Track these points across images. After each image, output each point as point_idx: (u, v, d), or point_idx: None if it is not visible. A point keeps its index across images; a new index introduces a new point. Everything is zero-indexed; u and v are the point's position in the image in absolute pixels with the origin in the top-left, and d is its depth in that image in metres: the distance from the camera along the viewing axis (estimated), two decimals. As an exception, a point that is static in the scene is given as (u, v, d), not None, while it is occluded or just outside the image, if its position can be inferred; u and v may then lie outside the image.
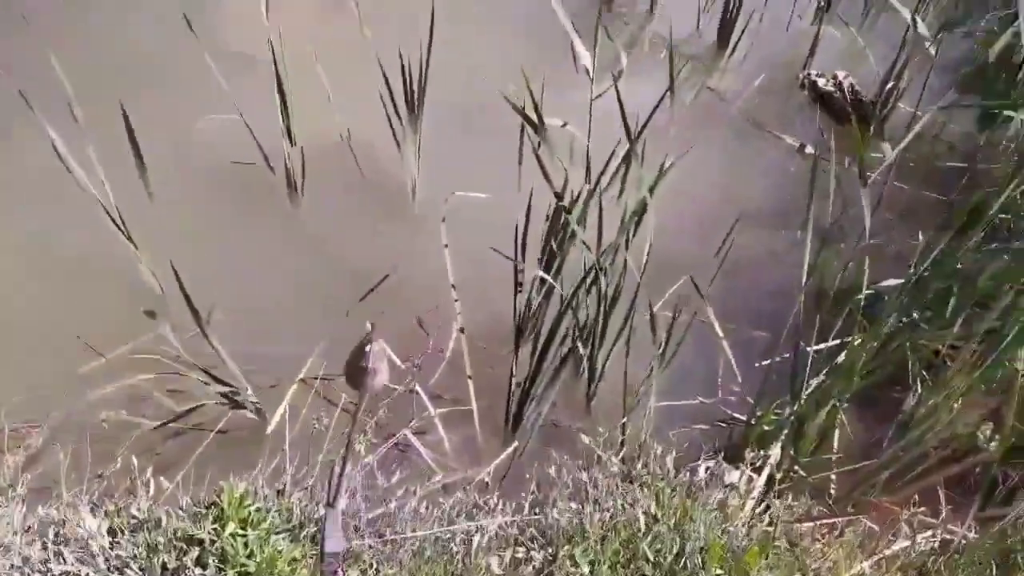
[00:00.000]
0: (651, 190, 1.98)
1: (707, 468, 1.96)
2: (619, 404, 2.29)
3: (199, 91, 2.76)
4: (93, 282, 2.44)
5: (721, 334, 2.51)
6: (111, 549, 1.44)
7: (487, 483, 2.11)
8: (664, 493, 1.75)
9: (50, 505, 1.62)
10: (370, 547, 1.60)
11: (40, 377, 2.13)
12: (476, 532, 1.66)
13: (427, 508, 1.83)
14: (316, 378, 2.38)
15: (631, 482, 1.95)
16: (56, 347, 2.24)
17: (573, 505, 1.76)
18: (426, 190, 2.96)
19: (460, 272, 2.61)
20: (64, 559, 1.41)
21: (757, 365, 2.53)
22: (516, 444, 2.29)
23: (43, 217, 2.57)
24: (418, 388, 2.34)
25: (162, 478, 1.65)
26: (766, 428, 2.34)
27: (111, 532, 1.51)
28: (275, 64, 2.62)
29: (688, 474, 2.02)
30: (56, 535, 1.49)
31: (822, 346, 2.39)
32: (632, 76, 2.04)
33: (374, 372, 1.17)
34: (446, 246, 2.39)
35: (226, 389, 2.17)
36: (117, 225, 2.29)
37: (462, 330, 2.41)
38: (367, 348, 1.16)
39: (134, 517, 1.51)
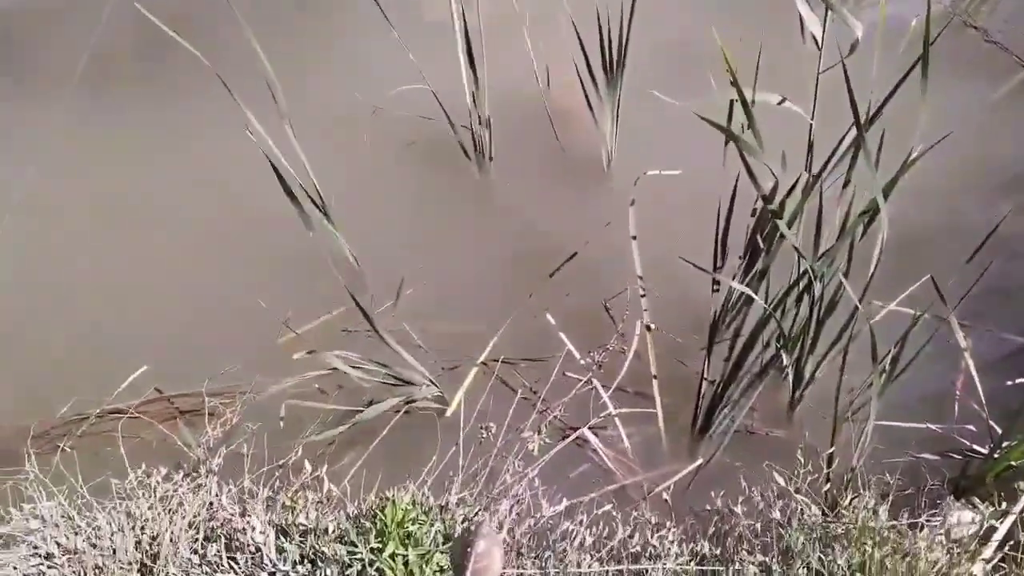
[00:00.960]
0: (886, 192, 1.62)
1: (929, 525, 1.64)
2: (829, 415, 1.99)
3: (391, 64, 2.71)
4: (293, 260, 2.50)
5: (964, 344, 2.08)
6: (278, 557, 1.47)
7: (666, 500, 1.94)
8: (871, 557, 1.48)
9: (234, 491, 1.70)
10: (531, 577, 1.51)
11: (243, 352, 2.24)
12: (647, 573, 1.51)
13: (600, 530, 1.69)
14: (496, 361, 2.31)
15: (835, 520, 1.69)
16: (258, 324, 2.34)
17: (759, 557, 1.54)
18: (623, 162, 2.74)
19: (653, 253, 2.40)
20: (237, 563, 1.46)
21: (1010, 384, 2.09)
22: (700, 461, 2.09)
23: (246, 198, 2.67)
24: (598, 386, 2.20)
25: (332, 486, 1.66)
26: (1014, 464, 1.94)
27: (281, 533, 1.54)
28: (465, 29, 2.48)
29: (906, 519, 1.71)
30: (232, 534, 1.55)
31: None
32: (865, 49, 1.64)
33: (479, 571, 1.00)
34: (634, 238, 2.17)
35: (409, 374, 2.15)
36: (316, 205, 2.32)
37: (649, 327, 2.21)
38: (469, 548, 0.99)
39: (301, 524, 1.53)
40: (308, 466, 1.66)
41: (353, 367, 2.10)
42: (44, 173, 2.82)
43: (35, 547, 1.84)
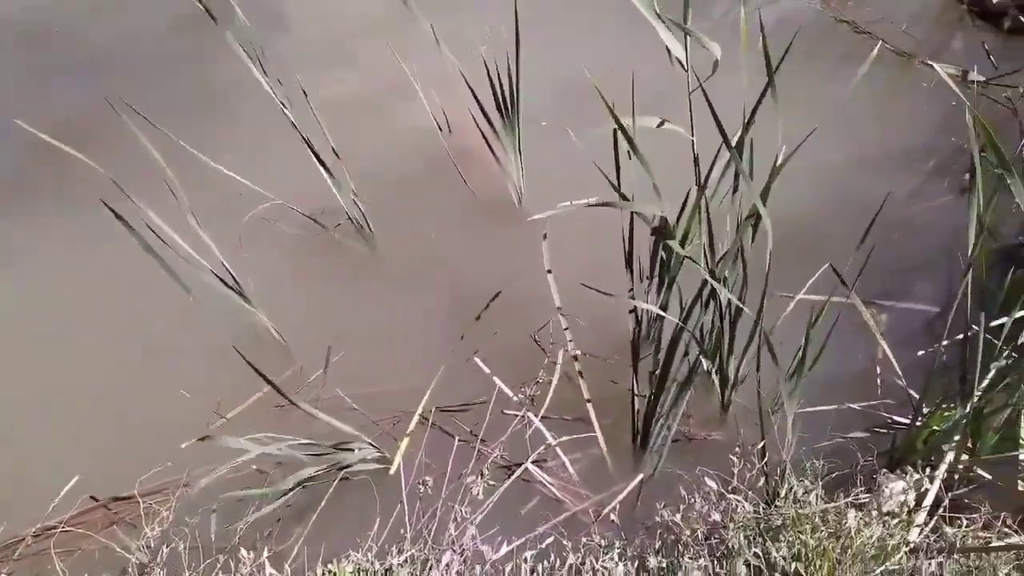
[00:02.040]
0: (764, 196, 1.70)
1: (859, 502, 1.69)
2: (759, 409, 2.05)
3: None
4: (216, 347, 2.47)
5: (871, 321, 2.17)
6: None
7: (614, 520, 1.97)
8: (806, 545, 1.53)
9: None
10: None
11: (177, 446, 2.20)
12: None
13: (552, 561, 1.71)
14: (431, 410, 2.32)
15: (776, 509, 1.74)
16: (189, 415, 2.31)
17: (702, 563, 1.57)
18: (533, 198, 2.81)
19: (573, 282, 2.45)
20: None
21: (921, 354, 2.19)
22: (641, 476, 2.12)
23: (156, 294, 2.61)
24: (533, 419, 2.22)
25: (272, 570, 1.64)
26: (936, 428, 2.03)
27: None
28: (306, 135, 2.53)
29: (842, 498, 1.77)
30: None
31: (1002, 321, 2.01)
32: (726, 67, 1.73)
33: None
34: (549, 271, 2.22)
35: (347, 439, 2.15)
36: (232, 288, 2.32)
37: (575, 357, 2.25)
38: None
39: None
40: (245, 553, 1.64)
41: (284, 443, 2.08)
42: None
43: None
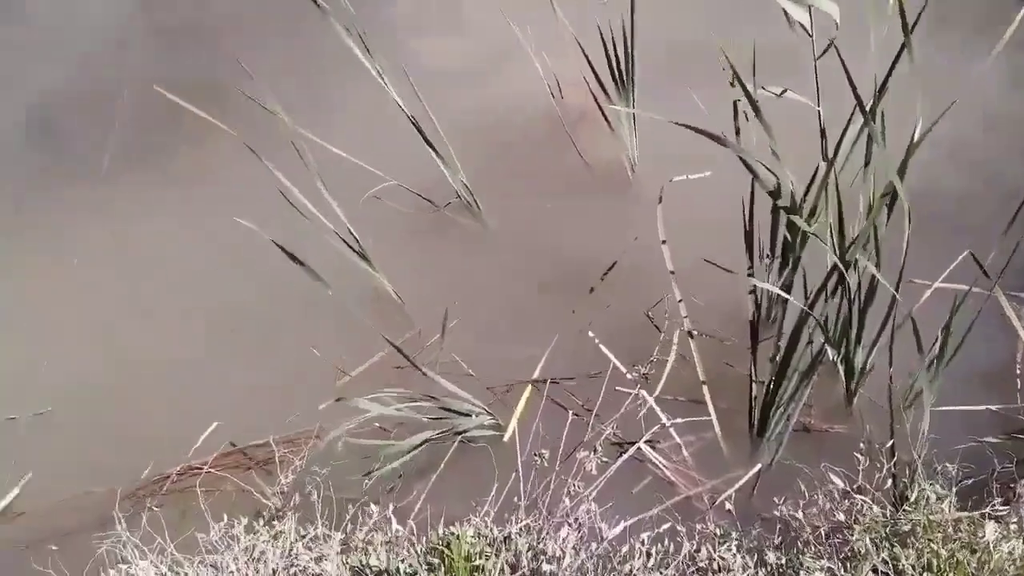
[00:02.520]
0: (901, 170, 1.60)
1: (998, 514, 1.61)
2: (887, 405, 1.96)
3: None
4: (341, 308, 2.58)
5: (1016, 321, 2.03)
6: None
7: (730, 510, 1.95)
8: (938, 556, 1.47)
9: (308, 537, 1.79)
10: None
11: (306, 401, 2.33)
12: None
13: (665, 546, 1.71)
14: (546, 381, 2.36)
15: (905, 513, 1.67)
16: (317, 373, 2.44)
17: (824, 563, 1.54)
18: (647, 169, 2.76)
19: (689, 256, 2.40)
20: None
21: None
22: (759, 466, 2.08)
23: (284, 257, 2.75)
24: (647, 398, 2.22)
25: (398, 526, 1.72)
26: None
27: (356, 575, 1.62)
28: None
29: (975, 507, 1.68)
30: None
31: None
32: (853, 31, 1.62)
33: None
34: (664, 242, 2.18)
35: (461, 405, 2.22)
36: (355, 251, 2.41)
37: (691, 334, 2.22)
38: None
39: (373, 567, 1.60)
40: (374, 508, 1.73)
41: (405, 402, 2.17)
42: (91, 253, 2.97)
43: (131, 606, 1.97)
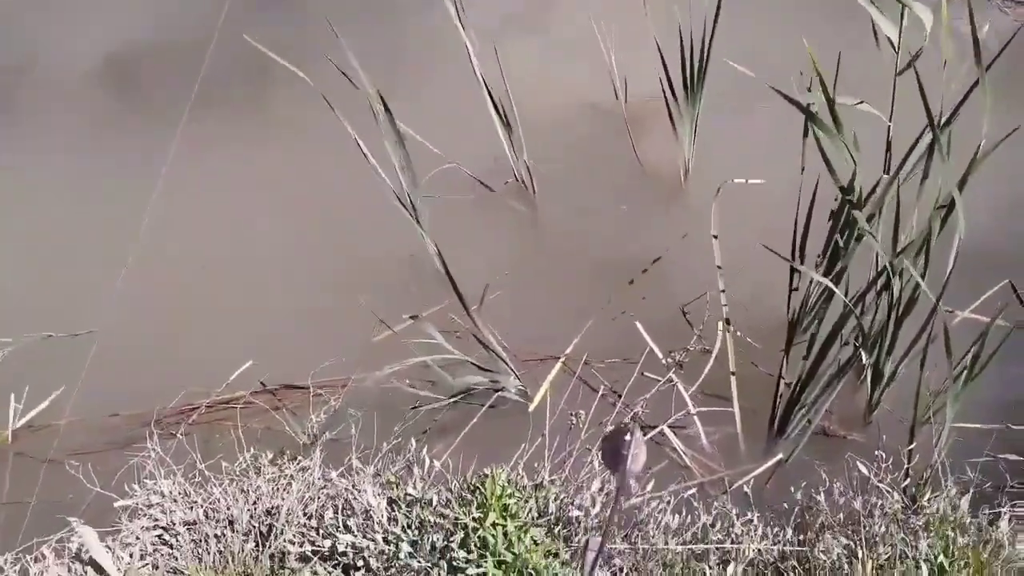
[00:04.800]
0: (961, 184, 1.68)
1: (1012, 516, 1.67)
2: (906, 418, 2.03)
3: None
4: (385, 266, 2.64)
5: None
6: (388, 524, 1.59)
7: (747, 493, 2.00)
8: (954, 542, 1.52)
9: (341, 470, 1.84)
10: (620, 553, 1.60)
11: (342, 347, 2.39)
12: (732, 554, 1.58)
13: (683, 515, 1.78)
14: (578, 361, 2.42)
15: (915, 515, 1.73)
16: (358, 321, 2.49)
17: (843, 541, 1.59)
18: (701, 169, 2.84)
19: (731, 259, 2.47)
20: (350, 530, 1.59)
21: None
22: (779, 456, 2.14)
23: (345, 209, 2.83)
24: (678, 384, 2.28)
25: (434, 460, 1.78)
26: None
27: (389, 503, 1.67)
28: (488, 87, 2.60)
29: (987, 517, 1.74)
30: (343, 505, 1.68)
31: None
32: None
33: (633, 458, 1.13)
34: (715, 237, 2.26)
35: (493, 370, 2.28)
36: (413, 217, 2.47)
37: (728, 322, 2.28)
38: (626, 437, 1.13)
39: (409, 495, 1.65)
40: (413, 442, 1.79)
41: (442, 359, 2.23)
42: (167, 192, 3.04)
43: (155, 519, 2.02)
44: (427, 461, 1.79)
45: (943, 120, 1.70)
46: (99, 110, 3.50)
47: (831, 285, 1.85)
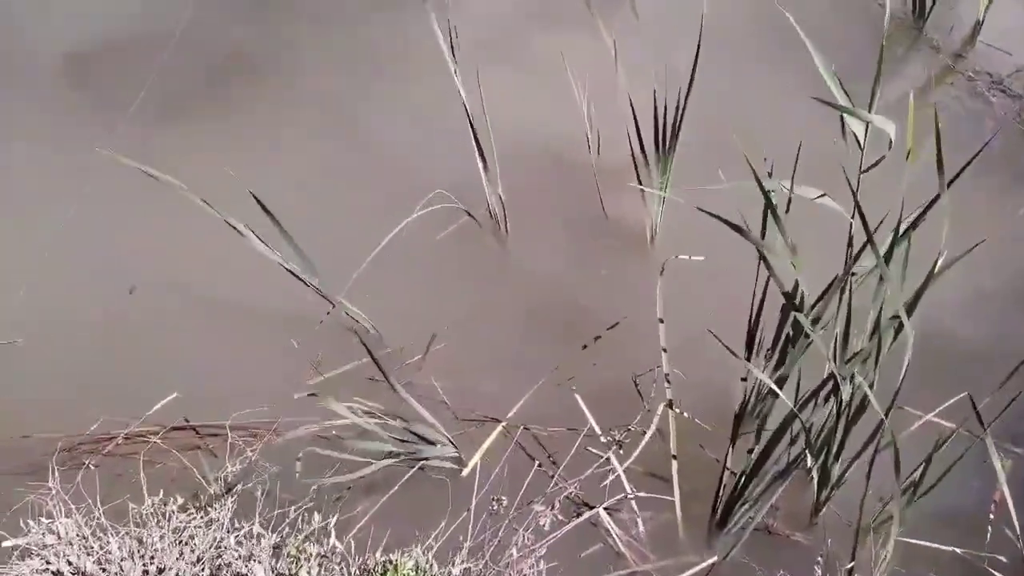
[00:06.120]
0: (909, 308, 1.60)
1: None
2: (855, 522, 1.92)
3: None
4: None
5: (999, 466, 2.00)
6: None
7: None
8: None
9: (244, 532, 1.71)
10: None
11: (270, 391, 2.27)
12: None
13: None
14: (518, 427, 2.31)
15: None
16: (286, 366, 2.38)
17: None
18: (669, 234, 2.74)
19: (689, 333, 2.37)
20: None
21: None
22: (715, 559, 2.03)
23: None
24: (617, 467, 2.17)
25: (336, 541, 1.66)
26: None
27: (284, 583, 1.55)
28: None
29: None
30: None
31: None
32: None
33: None
34: (661, 321, 2.16)
35: (426, 430, 2.16)
36: (314, 288, 2.37)
37: (671, 404, 2.18)
38: None
39: (304, 577, 1.53)
40: (317, 516, 1.67)
41: (375, 416, 2.11)
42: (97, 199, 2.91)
43: (47, 562, 1.88)
44: (331, 536, 1.67)
45: (902, 228, 1.63)
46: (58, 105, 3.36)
47: (774, 387, 1.76)
